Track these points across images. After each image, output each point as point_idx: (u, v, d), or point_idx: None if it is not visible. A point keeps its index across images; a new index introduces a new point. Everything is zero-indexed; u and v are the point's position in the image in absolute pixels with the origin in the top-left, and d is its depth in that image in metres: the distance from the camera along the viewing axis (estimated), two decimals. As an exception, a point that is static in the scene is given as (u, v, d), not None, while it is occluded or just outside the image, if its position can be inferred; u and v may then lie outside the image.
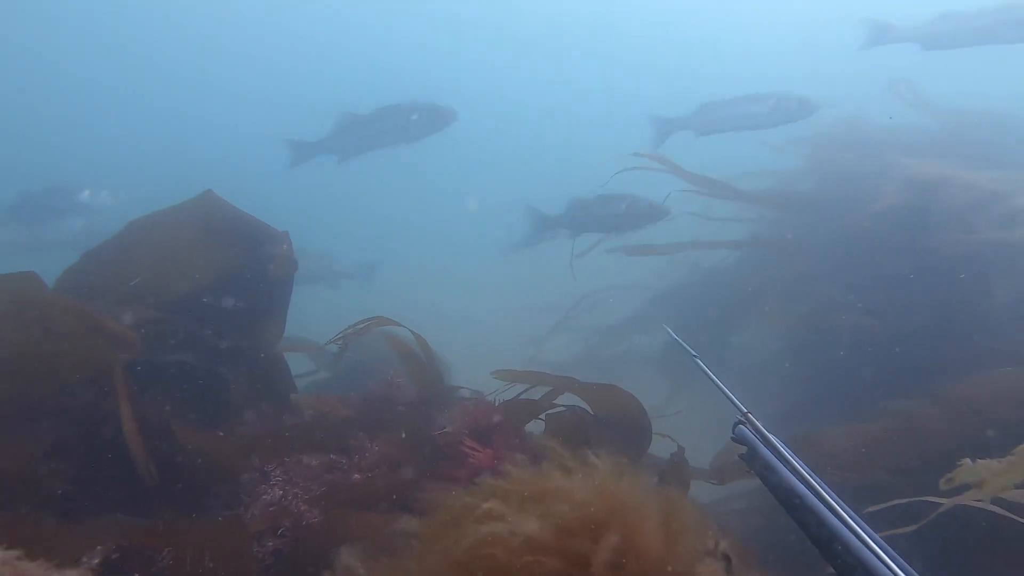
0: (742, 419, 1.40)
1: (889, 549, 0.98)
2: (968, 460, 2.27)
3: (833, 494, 1.10)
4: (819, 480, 1.15)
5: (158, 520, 1.99)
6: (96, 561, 1.65)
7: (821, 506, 1.09)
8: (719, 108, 6.00)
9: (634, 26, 27.08)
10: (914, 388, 3.89)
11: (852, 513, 1.05)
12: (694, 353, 1.81)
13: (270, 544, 2.03)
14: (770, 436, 1.30)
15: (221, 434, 2.43)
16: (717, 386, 1.54)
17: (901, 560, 0.97)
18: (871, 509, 2.60)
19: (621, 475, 1.40)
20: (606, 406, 2.59)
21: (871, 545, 0.99)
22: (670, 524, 1.31)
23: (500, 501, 1.34)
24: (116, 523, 1.90)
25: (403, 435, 2.46)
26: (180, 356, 2.77)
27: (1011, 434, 3.00)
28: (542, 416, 2.61)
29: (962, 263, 4.45)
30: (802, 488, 1.15)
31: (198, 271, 3.39)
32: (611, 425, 2.54)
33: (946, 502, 2.47)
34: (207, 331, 3.09)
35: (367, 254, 10.27)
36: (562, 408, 2.62)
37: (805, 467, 1.19)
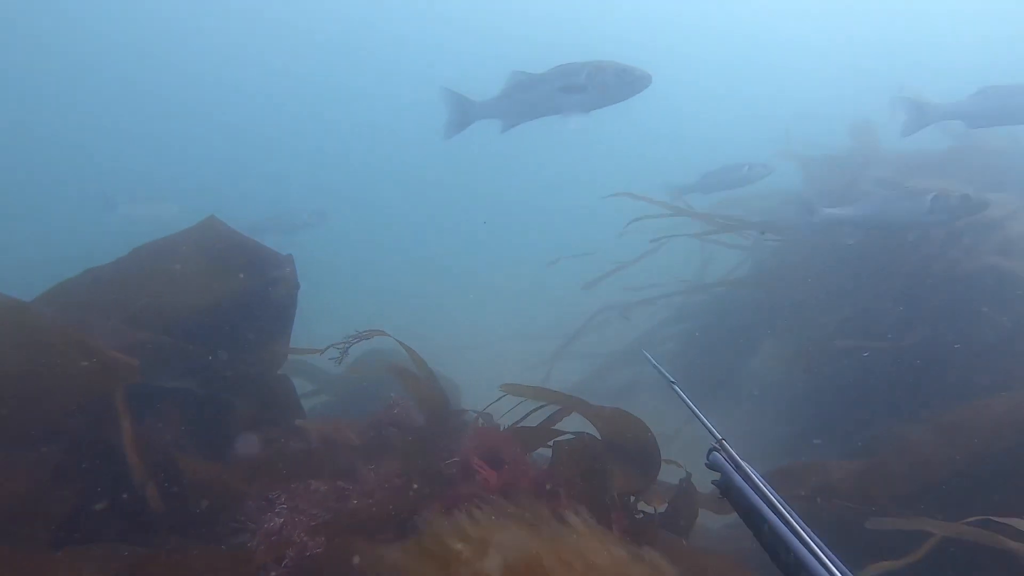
0: (716, 446, 1.43)
1: None
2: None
3: (802, 522, 1.13)
4: (789, 508, 1.18)
5: (161, 549, 1.99)
6: (100, 591, 1.65)
7: (789, 534, 1.11)
8: None
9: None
10: (917, 410, 3.92)
11: (819, 542, 1.08)
12: (671, 379, 1.84)
13: (273, 575, 2.03)
14: (743, 463, 1.34)
15: (225, 460, 2.43)
16: (693, 412, 1.57)
17: None
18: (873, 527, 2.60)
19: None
20: (615, 431, 2.60)
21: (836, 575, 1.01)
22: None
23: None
24: (119, 552, 1.91)
25: (410, 461, 2.47)
26: (183, 381, 2.78)
27: (1008, 462, 3.03)
28: (550, 443, 2.62)
29: (962, 286, 4.51)
30: (771, 515, 1.18)
31: (201, 296, 3.43)
32: (620, 451, 2.55)
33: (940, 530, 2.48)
34: (210, 356, 3.12)
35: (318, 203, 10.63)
36: (570, 435, 2.63)
37: (775, 494, 1.22)
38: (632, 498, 2.47)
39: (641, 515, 2.49)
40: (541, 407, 2.99)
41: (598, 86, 4.69)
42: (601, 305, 6.97)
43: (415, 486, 2.47)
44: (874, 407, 4.54)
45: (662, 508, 2.56)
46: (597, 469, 2.27)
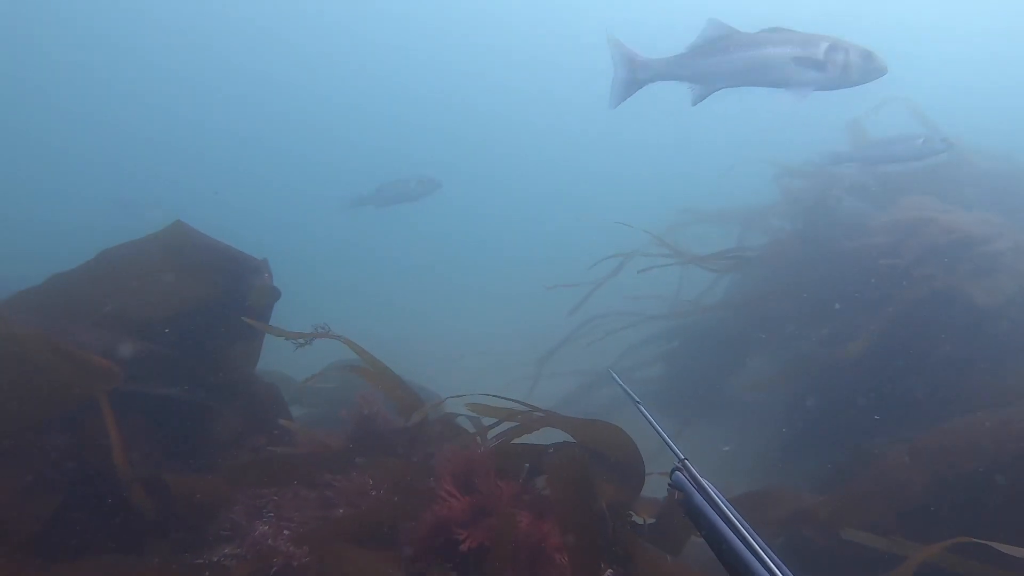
0: (679, 465, 1.52)
1: None
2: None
3: (761, 541, 1.21)
4: (748, 527, 1.26)
5: (148, 560, 2.03)
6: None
7: (748, 553, 1.20)
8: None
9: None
10: (896, 430, 4.11)
11: (779, 562, 1.16)
12: (637, 399, 1.94)
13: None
14: (704, 483, 1.43)
15: (211, 467, 2.48)
16: (658, 432, 1.67)
17: None
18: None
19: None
20: (598, 442, 2.70)
21: None
22: None
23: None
24: (103, 563, 1.94)
25: (393, 467, 2.54)
26: (162, 387, 2.82)
27: (986, 484, 3.20)
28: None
29: (942, 305, 4.75)
30: (730, 535, 1.25)
31: (169, 302, 3.47)
32: (604, 462, 2.66)
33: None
34: (185, 361, 3.15)
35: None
36: (552, 447, 2.70)
37: (736, 514, 1.31)
38: (619, 510, 2.57)
39: (629, 527, 2.59)
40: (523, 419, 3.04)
41: (839, 65, 4.15)
42: (584, 320, 7.10)
43: (395, 499, 2.54)
44: (854, 426, 4.74)
45: (651, 520, 2.66)
46: (584, 482, 2.36)
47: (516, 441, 2.79)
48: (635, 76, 4.35)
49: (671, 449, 1.58)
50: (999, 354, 4.56)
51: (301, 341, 3.51)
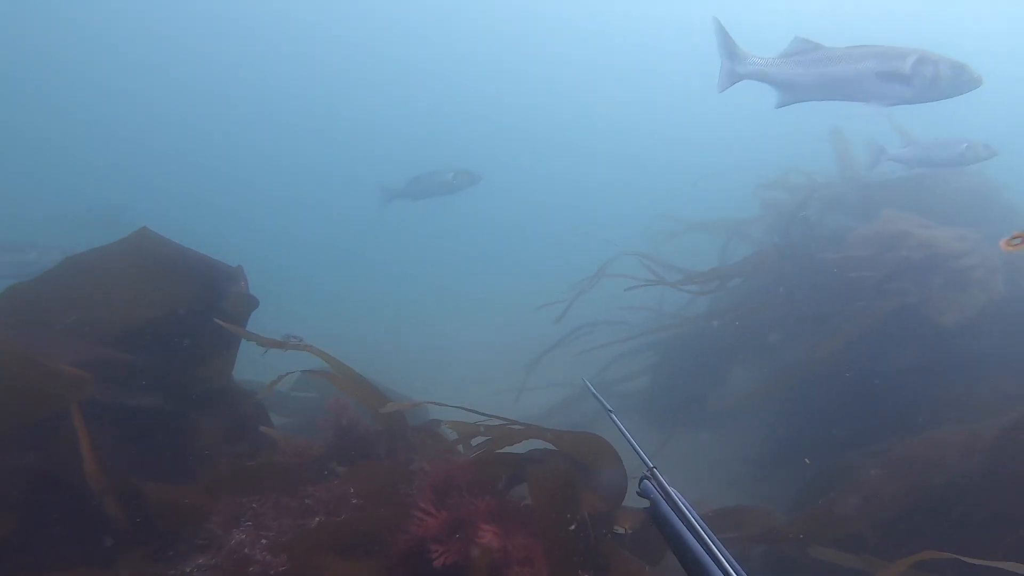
0: (647, 474, 1.57)
1: None
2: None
3: (724, 550, 1.27)
4: (712, 536, 1.31)
5: (119, 573, 2.02)
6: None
7: (711, 562, 1.25)
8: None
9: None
10: (873, 442, 4.21)
11: (741, 570, 1.22)
12: (609, 408, 2.01)
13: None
14: (671, 491, 1.48)
15: (189, 477, 2.47)
16: (628, 441, 1.73)
17: None
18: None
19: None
20: (579, 453, 2.74)
21: None
22: None
23: None
24: None
25: (373, 475, 2.56)
26: (135, 397, 2.81)
27: (956, 497, 3.29)
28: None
29: (912, 319, 4.89)
30: (694, 543, 1.31)
31: (134, 311, 3.46)
32: (585, 472, 2.70)
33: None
34: (157, 370, 3.13)
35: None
36: (531, 455, 2.74)
37: (701, 523, 1.36)
38: (600, 520, 2.61)
39: (609, 536, 2.63)
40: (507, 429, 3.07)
41: (927, 78, 4.24)
42: (571, 329, 7.17)
43: (376, 508, 2.56)
44: (831, 438, 4.84)
45: (631, 531, 2.70)
46: (566, 491, 2.40)
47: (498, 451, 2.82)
48: (735, 68, 4.50)
49: (640, 457, 1.63)
50: (971, 367, 4.71)
51: (266, 349, 3.52)
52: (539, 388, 7.05)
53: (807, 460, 4.57)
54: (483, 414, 3.01)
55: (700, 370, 6.52)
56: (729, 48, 4.51)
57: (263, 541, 2.22)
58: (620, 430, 1.82)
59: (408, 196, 9.69)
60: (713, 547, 1.27)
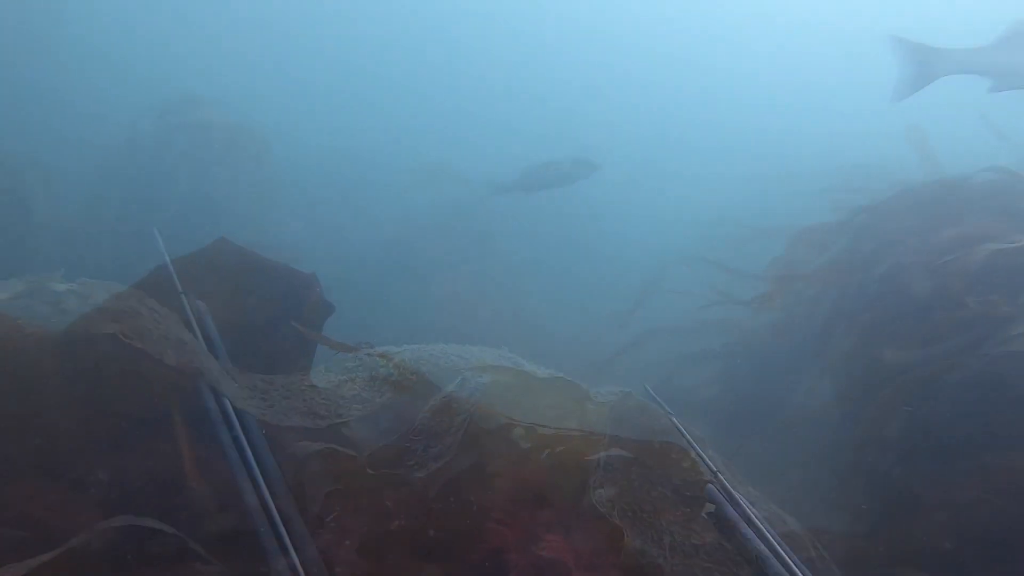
0: (711, 479, 1.57)
1: None
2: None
3: (791, 553, 1.27)
4: (780, 540, 1.31)
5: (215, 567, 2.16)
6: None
7: (779, 566, 1.25)
8: None
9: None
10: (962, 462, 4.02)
11: (806, 572, 1.21)
12: (669, 411, 2.01)
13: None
14: (737, 496, 1.47)
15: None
16: (690, 444, 1.73)
17: None
18: None
19: None
20: (659, 463, 2.75)
21: None
22: None
23: None
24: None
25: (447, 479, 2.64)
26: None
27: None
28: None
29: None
30: (764, 550, 1.31)
31: (232, 318, 3.65)
32: (665, 483, 2.71)
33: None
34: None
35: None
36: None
37: (769, 529, 1.36)
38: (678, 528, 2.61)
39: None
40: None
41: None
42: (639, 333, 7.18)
43: (452, 512, 2.63)
44: (916, 453, 4.65)
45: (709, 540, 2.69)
46: (643, 501, 2.42)
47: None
48: (928, 70, 4.36)
49: (704, 462, 1.64)
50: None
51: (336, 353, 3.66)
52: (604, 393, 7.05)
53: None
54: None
55: (773, 377, 6.40)
56: (914, 51, 4.35)
57: (347, 542, 2.33)
58: (681, 433, 1.84)
59: (522, 189, 9.39)
60: (781, 551, 1.28)
